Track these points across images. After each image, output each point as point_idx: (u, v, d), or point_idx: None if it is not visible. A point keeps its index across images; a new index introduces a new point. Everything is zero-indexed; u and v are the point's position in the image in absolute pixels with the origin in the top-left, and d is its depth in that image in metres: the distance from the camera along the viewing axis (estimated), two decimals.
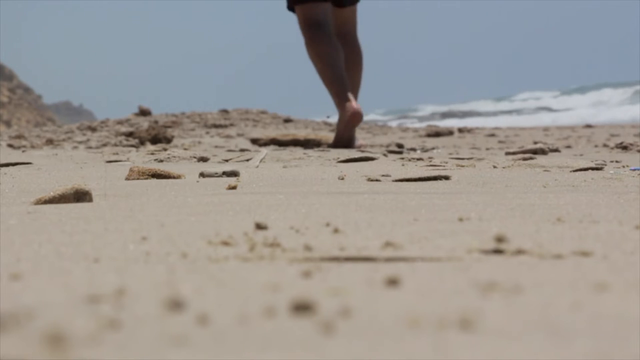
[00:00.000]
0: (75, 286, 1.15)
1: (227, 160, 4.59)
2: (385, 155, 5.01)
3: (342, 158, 4.30)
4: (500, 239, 1.49)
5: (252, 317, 0.96)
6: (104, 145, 7.17)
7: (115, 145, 7.03)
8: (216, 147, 6.94)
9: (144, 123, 10.93)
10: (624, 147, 5.79)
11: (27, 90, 62.15)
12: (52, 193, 2.30)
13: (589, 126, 12.60)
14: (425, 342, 0.86)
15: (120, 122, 11.31)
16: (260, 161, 4.25)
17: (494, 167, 3.73)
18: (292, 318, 0.96)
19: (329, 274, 1.24)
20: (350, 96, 6.28)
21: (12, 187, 2.95)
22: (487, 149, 6.49)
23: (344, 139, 6.29)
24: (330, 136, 6.72)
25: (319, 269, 1.27)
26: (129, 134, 7.58)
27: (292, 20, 6.78)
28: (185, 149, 6.00)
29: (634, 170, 3.48)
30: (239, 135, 9.56)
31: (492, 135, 9.25)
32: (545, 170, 3.49)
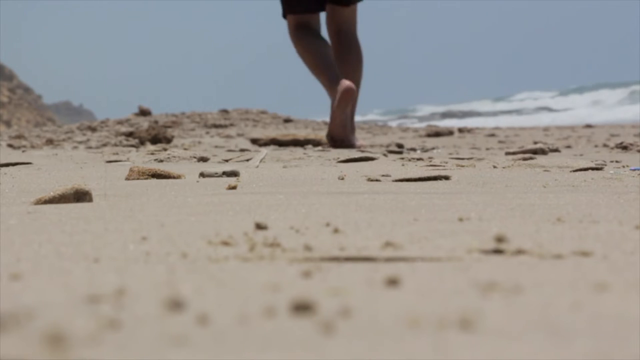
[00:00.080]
0: (75, 286, 1.15)
1: (227, 160, 4.59)
2: (385, 155, 5.01)
3: (342, 158, 4.30)
4: (500, 239, 1.49)
5: (252, 317, 0.96)
6: (104, 145, 7.17)
7: (115, 145, 7.03)
8: (216, 147, 6.94)
9: (144, 123, 10.93)
10: (624, 147, 5.79)
11: (27, 90, 62.13)
12: (52, 193, 2.30)
13: (588, 126, 12.59)
14: (425, 342, 0.86)
15: (120, 122, 11.31)
16: (260, 161, 4.25)
17: (494, 167, 3.73)
18: (292, 318, 0.96)
19: (329, 274, 1.24)
20: (341, 77, 6.31)
21: (12, 187, 2.95)
22: (487, 149, 6.48)
23: (337, 122, 6.27)
24: None
25: (319, 269, 1.27)
26: (129, 134, 7.58)
27: None
28: (185, 149, 5.99)
29: (634, 170, 3.48)
30: (239, 135, 9.56)
31: (492, 135, 9.25)
32: (545, 170, 3.49)
